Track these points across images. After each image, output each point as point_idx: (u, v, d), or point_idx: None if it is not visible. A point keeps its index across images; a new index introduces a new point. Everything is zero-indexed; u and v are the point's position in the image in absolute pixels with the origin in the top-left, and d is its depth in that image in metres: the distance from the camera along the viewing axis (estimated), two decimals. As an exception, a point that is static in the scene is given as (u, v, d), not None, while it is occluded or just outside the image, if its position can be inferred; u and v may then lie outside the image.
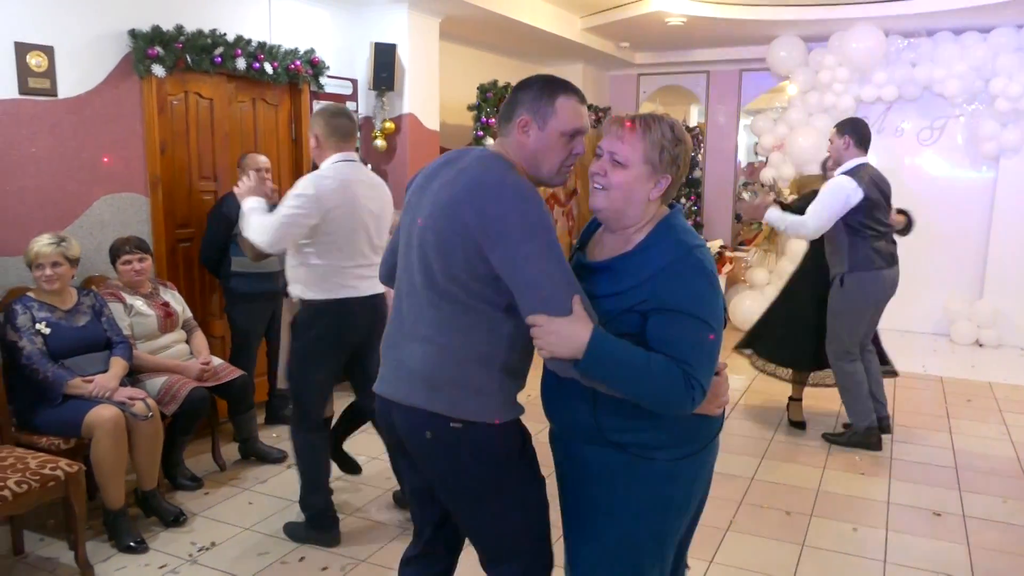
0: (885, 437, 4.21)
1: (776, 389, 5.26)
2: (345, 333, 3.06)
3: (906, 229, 4.31)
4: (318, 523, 3.20)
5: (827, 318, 4.16)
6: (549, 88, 1.77)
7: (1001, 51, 6.23)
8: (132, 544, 3.10)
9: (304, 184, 2.91)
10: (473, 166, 1.74)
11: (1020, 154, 6.40)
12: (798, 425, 4.53)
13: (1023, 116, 6.25)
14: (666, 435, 1.68)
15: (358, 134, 3.46)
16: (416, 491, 2.00)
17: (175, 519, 3.33)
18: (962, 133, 6.75)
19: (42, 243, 3.17)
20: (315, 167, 3.06)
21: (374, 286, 3.02)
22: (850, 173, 4.02)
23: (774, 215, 4.26)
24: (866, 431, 4.10)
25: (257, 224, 2.93)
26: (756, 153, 10.87)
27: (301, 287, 3.04)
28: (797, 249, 6.92)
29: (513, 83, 6.54)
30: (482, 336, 1.73)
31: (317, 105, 5.05)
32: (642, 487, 1.69)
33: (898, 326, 7.10)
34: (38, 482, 2.77)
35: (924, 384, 5.52)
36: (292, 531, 3.27)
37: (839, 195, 3.95)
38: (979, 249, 6.71)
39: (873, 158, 7.14)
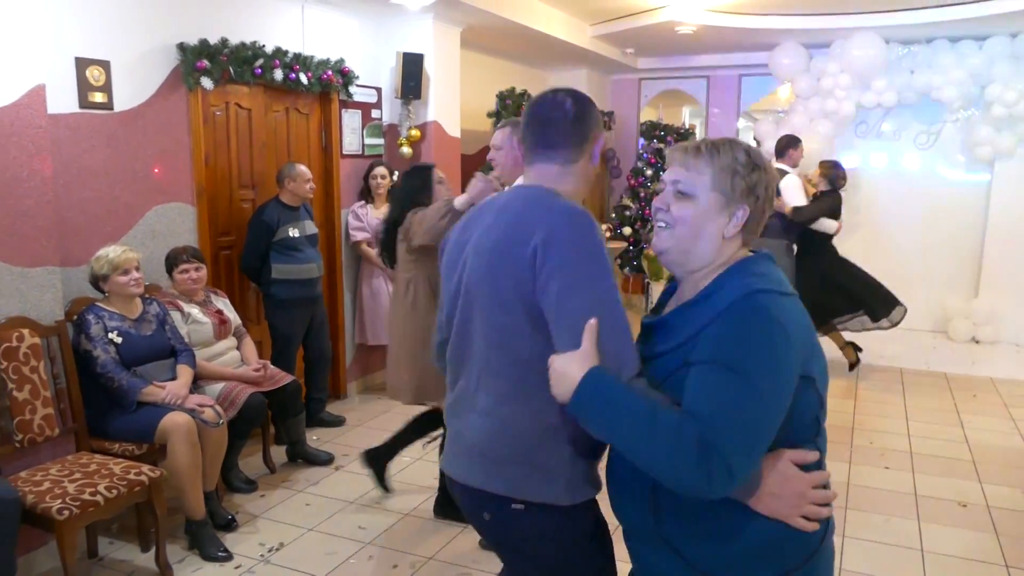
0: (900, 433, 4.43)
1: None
2: None
3: None
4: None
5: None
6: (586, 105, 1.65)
7: (996, 59, 6.49)
8: (219, 554, 3.18)
9: None
10: (516, 200, 1.60)
11: (1014, 158, 6.67)
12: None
13: (1018, 121, 6.51)
14: (740, 547, 1.33)
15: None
16: None
17: (227, 524, 3.42)
18: (958, 137, 7.01)
19: (119, 250, 3.27)
20: None
21: None
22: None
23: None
24: None
25: None
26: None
27: None
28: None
29: (529, 89, 6.69)
30: (546, 406, 1.48)
31: (346, 113, 5.17)
32: None
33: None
34: (126, 487, 2.88)
35: (930, 380, 5.76)
36: None
37: None
38: (975, 249, 6.98)
39: (872, 161, 7.43)
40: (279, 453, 4.20)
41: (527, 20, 5.87)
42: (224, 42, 4.09)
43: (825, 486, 1.35)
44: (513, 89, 6.39)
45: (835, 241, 6.78)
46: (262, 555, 3.23)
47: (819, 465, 1.37)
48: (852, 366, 5.83)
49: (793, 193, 5.56)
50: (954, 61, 6.64)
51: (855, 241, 7.43)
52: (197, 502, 3.21)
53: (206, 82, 3.99)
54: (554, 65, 8.00)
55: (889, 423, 4.78)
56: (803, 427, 1.34)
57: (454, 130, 5.81)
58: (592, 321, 1.37)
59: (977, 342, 6.85)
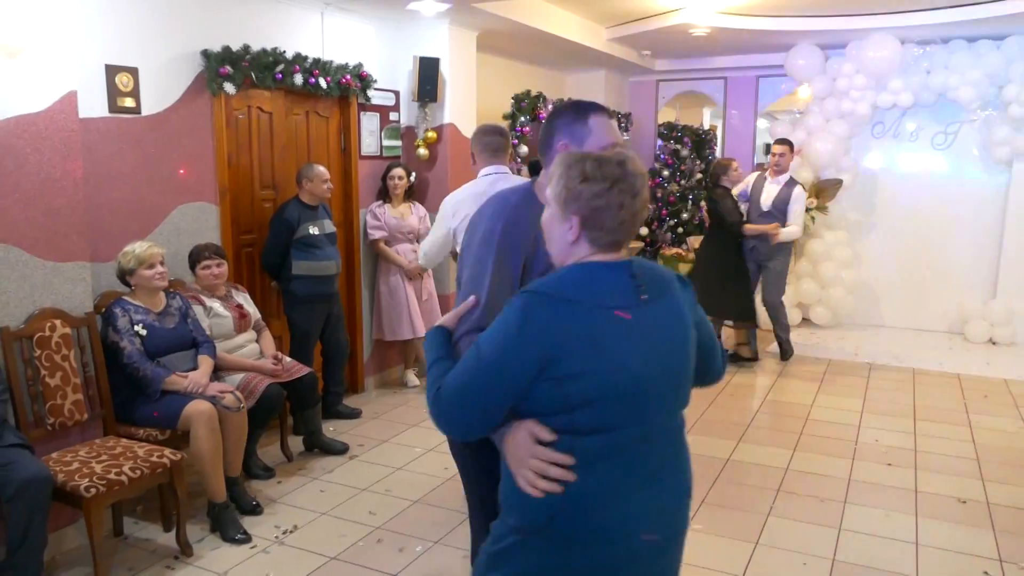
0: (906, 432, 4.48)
1: (800, 388, 5.53)
2: None
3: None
4: None
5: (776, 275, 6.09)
6: (580, 110, 1.83)
7: (1014, 59, 6.48)
8: (238, 536, 3.33)
9: (447, 199, 3.37)
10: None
11: (1032, 158, 6.65)
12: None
13: (1036, 122, 6.49)
14: (504, 489, 1.58)
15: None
16: None
17: (251, 509, 3.59)
18: (975, 138, 7.00)
19: (145, 246, 3.46)
20: None
21: None
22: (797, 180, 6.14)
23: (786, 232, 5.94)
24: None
25: None
26: (766, 154, 11.15)
27: None
28: (816, 249, 7.19)
29: (544, 92, 6.81)
30: None
31: (364, 116, 5.33)
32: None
33: (914, 325, 7.39)
34: (148, 468, 3.05)
35: (942, 380, 5.78)
36: None
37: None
38: (992, 250, 6.96)
39: (888, 161, 7.44)
40: (296, 443, 4.36)
41: (542, 24, 5.99)
42: (246, 49, 4.26)
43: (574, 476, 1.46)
44: (529, 92, 6.51)
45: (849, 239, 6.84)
46: (277, 536, 3.38)
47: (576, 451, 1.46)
48: (752, 359, 6.22)
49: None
50: (971, 61, 6.64)
51: (871, 241, 7.47)
52: (219, 485, 3.38)
53: (229, 87, 4.16)
54: (571, 67, 8.10)
55: (896, 422, 4.82)
56: (548, 415, 1.46)
57: (470, 132, 5.94)
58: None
59: (994, 343, 6.83)
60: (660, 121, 9.13)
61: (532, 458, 1.45)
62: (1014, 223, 6.81)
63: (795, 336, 6.97)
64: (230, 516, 3.40)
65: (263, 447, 4.20)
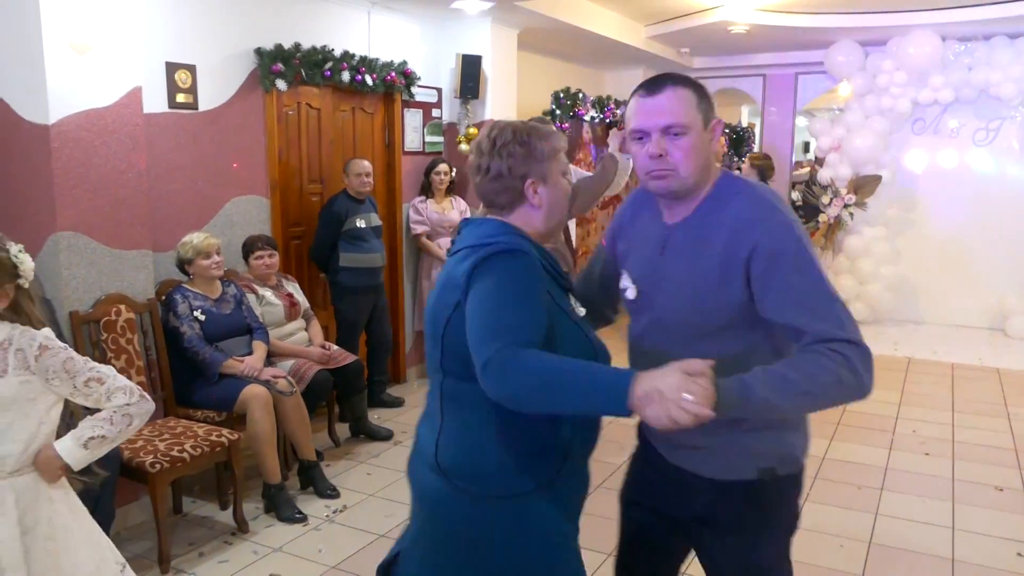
0: (944, 424, 4.50)
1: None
2: None
3: None
4: None
5: None
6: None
7: (1057, 54, 6.42)
8: (296, 516, 3.48)
9: None
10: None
11: (1076, 154, 6.58)
12: None
13: (1079, 117, 6.42)
14: None
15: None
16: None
17: (329, 493, 3.71)
18: (1017, 134, 6.93)
19: (202, 237, 3.63)
20: None
21: None
22: None
23: None
24: None
25: None
26: (805, 152, 11.14)
27: None
28: (855, 245, 7.18)
29: (583, 89, 6.90)
30: None
31: (408, 113, 5.47)
32: None
33: (953, 321, 7.34)
34: (208, 447, 3.21)
35: (982, 375, 5.75)
36: None
37: None
38: (1035, 246, 6.89)
39: (928, 158, 7.40)
40: (343, 430, 4.51)
41: (582, 22, 6.08)
42: (297, 47, 4.42)
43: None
44: (568, 89, 6.61)
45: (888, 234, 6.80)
46: (327, 516, 3.53)
47: None
48: None
49: None
50: (1013, 57, 6.59)
51: (911, 237, 7.43)
52: (274, 467, 3.52)
53: (280, 84, 4.33)
54: (610, 65, 8.18)
55: (934, 414, 4.84)
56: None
57: (510, 128, 6.06)
58: None
59: (1036, 340, 6.77)
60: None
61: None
62: (1058, 219, 6.73)
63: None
64: (285, 497, 3.55)
65: (312, 432, 4.35)
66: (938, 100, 6.95)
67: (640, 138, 1.56)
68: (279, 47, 4.33)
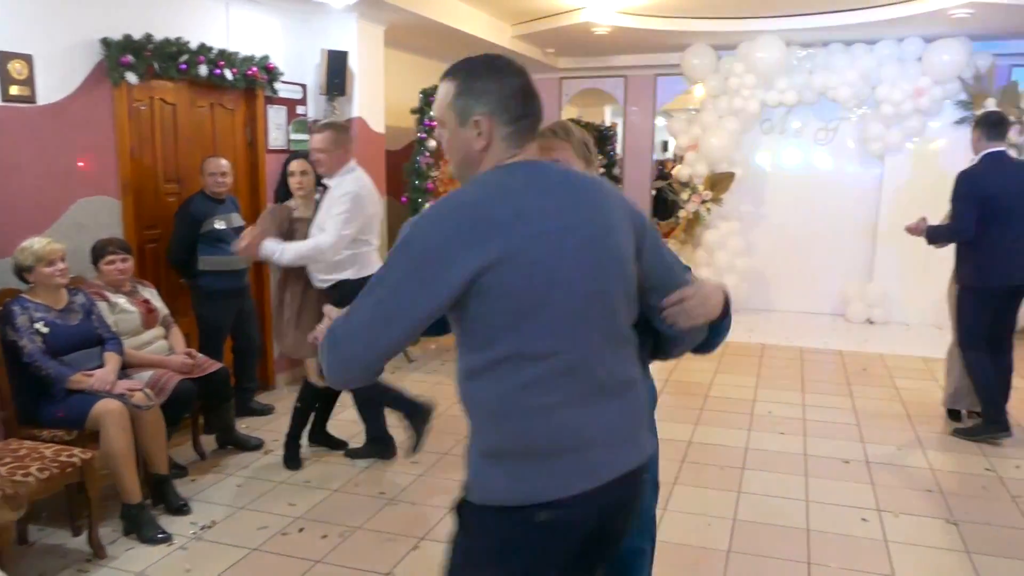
0: (795, 404, 4.85)
1: (700, 368, 5.85)
2: None
3: None
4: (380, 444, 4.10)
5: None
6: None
7: (885, 61, 7.04)
8: (159, 536, 3.26)
9: (349, 192, 3.79)
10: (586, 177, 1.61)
11: (902, 152, 7.23)
12: None
13: (904, 119, 7.07)
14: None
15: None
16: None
17: (179, 509, 3.51)
18: (853, 134, 7.55)
19: (44, 242, 3.35)
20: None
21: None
22: None
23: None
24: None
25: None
26: (664, 151, 11.66)
27: (351, 271, 3.80)
28: (712, 239, 7.58)
29: (452, 87, 6.92)
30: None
31: (271, 109, 5.28)
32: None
33: (801, 308, 7.90)
34: (58, 468, 2.97)
35: (827, 357, 6.24)
36: (354, 452, 4.17)
37: None
38: (869, 237, 7.52)
39: (776, 156, 7.91)
40: (209, 441, 4.29)
41: (449, 20, 6.08)
42: (148, 38, 4.16)
43: None
44: (436, 87, 6.57)
45: (742, 228, 7.22)
46: (194, 532, 3.35)
47: None
48: None
49: None
50: (848, 63, 7.16)
51: (762, 231, 7.93)
52: (133, 486, 3.30)
53: (131, 77, 4.06)
54: (477, 64, 8.21)
55: (787, 395, 5.20)
56: None
57: (379, 126, 5.98)
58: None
59: (871, 323, 7.40)
60: (564, 118, 9.36)
61: None
62: (887, 212, 7.37)
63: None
64: (147, 516, 3.33)
65: (175, 446, 4.10)
66: (783, 102, 7.45)
67: None
68: (128, 38, 4.07)
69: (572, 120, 9.13)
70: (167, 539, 3.27)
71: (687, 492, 3.69)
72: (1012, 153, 6.58)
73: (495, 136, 1.47)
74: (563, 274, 1.40)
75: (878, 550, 3.14)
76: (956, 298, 4.42)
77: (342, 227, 3.69)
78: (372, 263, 3.86)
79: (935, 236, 4.43)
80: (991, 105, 6.71)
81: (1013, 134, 6.69)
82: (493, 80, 1.47)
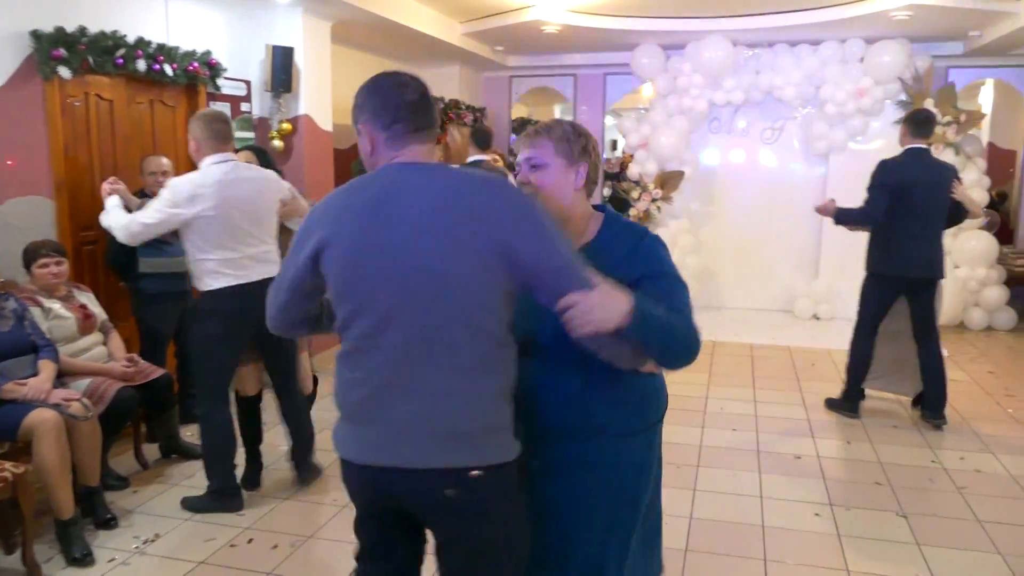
0: (747, 400, 4.91)
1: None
2: (244, 316, 3.35)
3: None
4: (220, 494, 3.52)
5: None
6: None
7: (829, 62, 7.17)
8: (78, 556, 3.09)
9: (180, 184, 3.26)
10: (450, 176, 1.66)
11: (846, 152, 7.38)
12: None
13: (848, 119, 7.22)
14: (646, 407, 1.90)
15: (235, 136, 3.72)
16: (383, 528, 1.83)
17: (106, 523, 3.35)
18: (798, 133, 7.69)
19: (-31, 248, 3.16)
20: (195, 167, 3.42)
21: (268, 271, 3.38)
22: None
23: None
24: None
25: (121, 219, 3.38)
26: (613, 150, 11.73)
27: (201, 280, 3.40)
28: (662, 237, 7.63)
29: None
30: (506, 371, 1.67)
31: (214, 106, 5.12)
32: (627, 464, 1.86)
33: (751, 304, 8.01)
34: (-12, 484, 2.81)
35: (776, 353, 6.33)
36: (192, 504, 3.55)
37: None
38: (814, 234, 7.66)
39: (723, 155, 8.01)
40: (152, 450, 4.14)
41: (397, 16, 5.98)
42: (82, 31, 3.99)
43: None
44: (385, 84, 6.48)
45: (692, 227, 7.29)
46: (137, 547, 3.21)
47: None
48: None
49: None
50: (793, 63, 7.28)
51: (711, 229, 8.02)
52: (66, 498, 3.14)
53: (63, 71, 3.89)
54: (426, 61, 8.13)
55: (738, 392, 5.25)
56: None
57: (326, 124, 5.86)
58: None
59: (818, 318, 7.55)
60: (514, 116, 9.34)
61: None
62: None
63: (647, 319, 7.37)
64: (77, 534, 3.15)
65: (115, 455, 3.96)
66: (731, 101, 7.54)
67: None
68: (60, 30, 3.89)
69: (523, 119, 9.12)
70: (90, 561, 3.09)
71: (643, 491, 3.68)
72: (936, 152, 6.87)
73: (377, 142, 1.69)
74: (364, 271, 1.60)
75: (832, 544, 3.18)
76: (862, 284, 4.70)
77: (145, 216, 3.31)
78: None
79: (844, 218, 4.66)
80: (930, 105, 6.91)
81: (950, 132, 6.92)
82: (372, 95, 1.69)
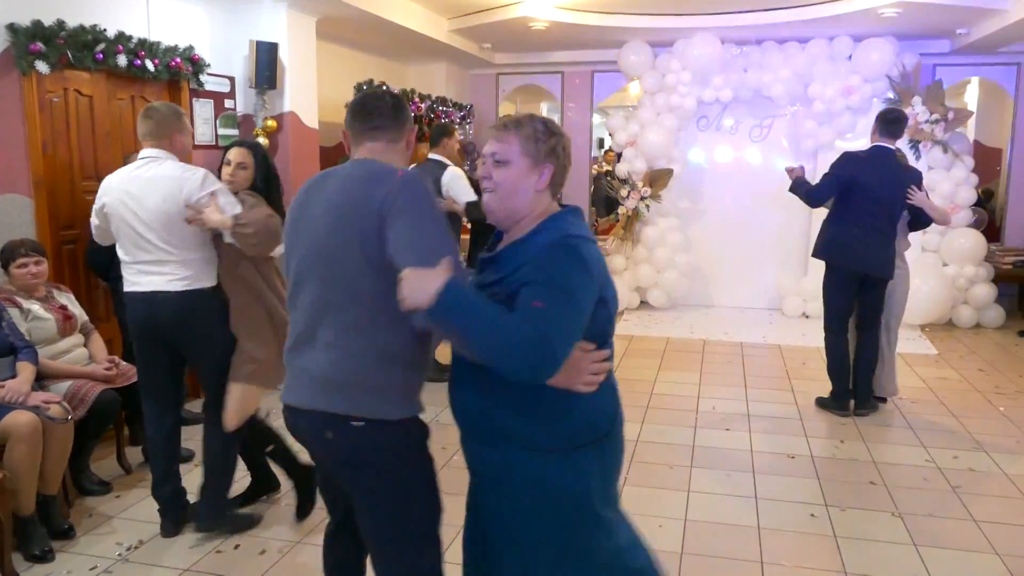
0: (739, 399, 4.88)
1: (643, 365, 5.84)
2: (136, 326, 3.14)
3: None
4: (164, 510, 3.28)
5: None
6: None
7: (817, 59, 7.16)
8: (37, 553, 3.02)
9: None
10: (363, 167, 1.89)
11: (833, 149, 7.34)
12: None
13: (836, 117, 7.21)
14: (558, 425, 1.72)
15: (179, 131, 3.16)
16: (324, 479, 2.15)
17: (63, 532, 3.21)
18: (786, 131, 7.67)
19: (-55, 247, 3.07)
20: None
21: (156, 283, 3.05)
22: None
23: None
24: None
25: None
26: (600, 148, 11.70)
27: None
28: (652, 236, 7.60)
29: (388, 82, 6.72)
30: (383, 335, 1.82)
31: (197, 103, 5.02)
32: (538, 483, 1.73)
33: (740, 303, 8.00)
34: (-37, 491, 2.72)
35: (766, 352, 6.31)
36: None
37: None
38: (803, 232, 7.64)
39: (712, 153, 7.97)
40: (135, 453, 4.04)
41: (383, 12, 5.90)
42: (61, 24, 3.89)
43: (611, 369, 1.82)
44: (372, 81, 6.40)
45: (680, 225, 7.22)
46: (120, 554, 3.12)
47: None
48: None
49: (461, 187, 4.92)
50: (781, 61, 7.27)
51: (700, 227, 7.99)
52: (30, 498, 3.05)
53: (41, 66, 3.79)
54: (413, 58, 8.05)
55: (730, 391, 5.22)
56: (597, 334, 1.74)
57: (312, 121, 5.77)
58: (447, 257, 1.66)
59: (807, 317, 7.53)
60: (500, 114, 9.27)
61: (585, 362, 1.70)
62: (820, 208, 7.48)
63: (635, 318, 7.37)
64: (35, 531, 3.07)
65: (97, 460, 3.87)
66: (719, 99, 7.52)
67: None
68: (38, 24, 3.79)
69: (522, 114, 9.03)
70: (50, 558, 3.03)
71: (637, 493, 3.63)
72: (924, 150, 6.89)
73: (346, 139, 2.01)
74: (292, 242, 1.95)
75: (828, 546, 3.14)
76: (823, 282, 4.80)
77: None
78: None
79: (796, 189, 4.82)
80: (918, 103, 6.92)
81: (938, 130, 6.92)
82: (352, 105, 2.02)
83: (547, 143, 1.75)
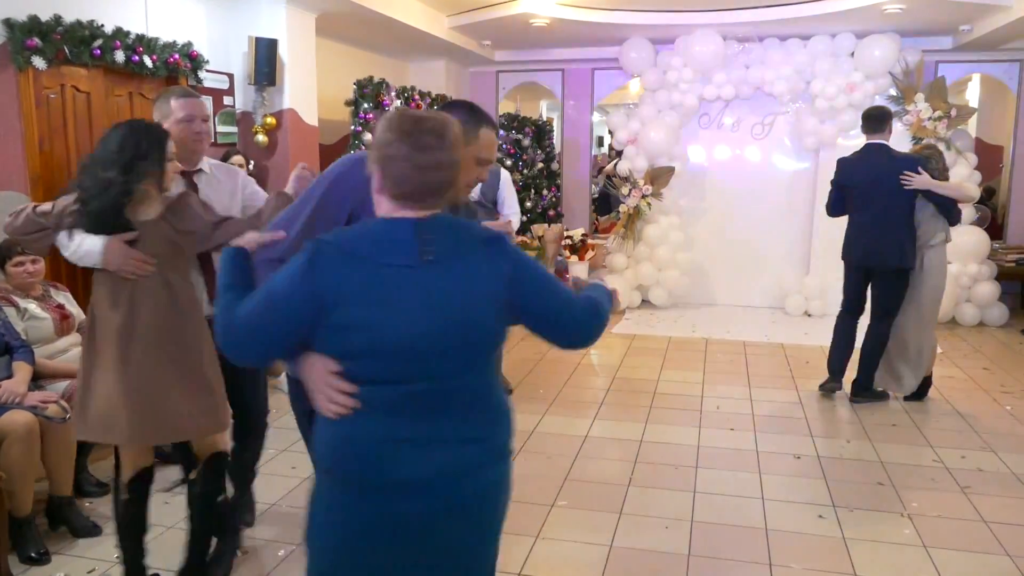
0: (743, 399, 4.85)
1: (646, 364, 5.79)
2: None
3: None
4: None
5: None
6: (475, 117, 1.88)
7: (819, 56, 7.13)
8: (33, 555, 2.98)
9: None
10: None
11: (836, 147, 7.32)
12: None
13: (838, 114, 7.17)
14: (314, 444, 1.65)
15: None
16: None
17: (88, 532, 3.21)
18: (788, 128, 7.63)
19: (-60, 245, 3.02)
20: None
21: None
22: None
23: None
24: None
25: None
26: (600, 146, 11.65)
27: None
28: (653, 234, 7.56)
29: (388, 79, 6.67)
30: None
31: (196, 99, 4.96)
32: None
33: (742, 301, 7.96)
34: (-41, 493, 2.67)
35: (769, 350, 6.26)
36: None
37: None
38: (805, 231, 7.62)
39: (713, 150, 7.94)
40: (133, 454, 3.99)
41: (383, 9, 5.86)
42: (58, 20, 3.85)
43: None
44: (371, 78, 6.35)
45: (682, 223, 7.16)
46: (119, 556, 3.06)
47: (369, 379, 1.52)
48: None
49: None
50: (783, 58, 7.23)
51: (701, 225, 7.95)
52: (26, 499, 3.01)
53: (38, 62, 3.74)
54: (413, 56, 8.01)
55: (734, 390, 5.17)
56: (336, 352, 1.52)
57: (312, 118, 5.73)
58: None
59: (809, 315, 7.50)
60: (500, 112, 9.22)
61: (325, 385, 1.53)
62: (822, 206, 7.41)
63: (637, 316, 7.33)
64: (30, 533, 3.03)
65: (95, 461, 3.81)
66: (721, 96, 7.48)
67: (486, 164, 1.90)
68: (35, 19, 3.75)
69: (510, 114, 8.97)
70: (45, 560, 2.98)
71: (643, 494, 3.59)
72: (899, 143, 6.86)
73: None
74: None
75: (838, 548, 3.10)
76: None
77: None
78: None
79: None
80: (920, 100, 6.88)
81: (940, 127, 6.88)
82: None
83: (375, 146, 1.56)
